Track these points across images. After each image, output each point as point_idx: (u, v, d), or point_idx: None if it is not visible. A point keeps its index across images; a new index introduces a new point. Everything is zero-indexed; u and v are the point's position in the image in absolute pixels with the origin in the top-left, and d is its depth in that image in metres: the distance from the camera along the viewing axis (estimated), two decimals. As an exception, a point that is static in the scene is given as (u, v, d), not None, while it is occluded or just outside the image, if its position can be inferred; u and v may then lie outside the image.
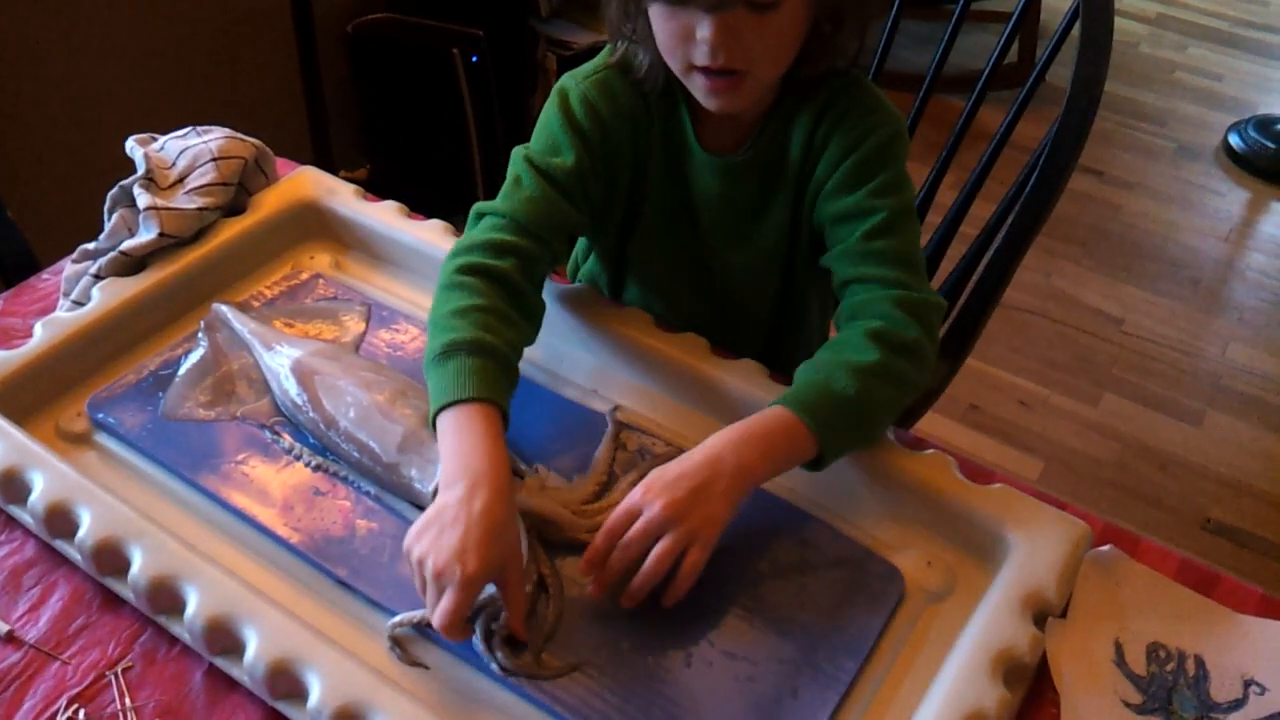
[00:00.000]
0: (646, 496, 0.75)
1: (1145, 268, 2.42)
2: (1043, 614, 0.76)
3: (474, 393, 0.78)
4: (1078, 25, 1.14)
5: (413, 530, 0.74)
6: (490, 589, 0.74)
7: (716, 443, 0.78)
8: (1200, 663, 0.76)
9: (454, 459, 0.76)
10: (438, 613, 0.71)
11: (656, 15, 0.85)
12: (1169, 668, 0.76)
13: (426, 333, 0.85)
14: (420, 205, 1.11)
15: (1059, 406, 2.07)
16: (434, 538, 0.72)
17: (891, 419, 0.86)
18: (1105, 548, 0.82)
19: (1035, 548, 0.79)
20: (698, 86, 0.88)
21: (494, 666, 0.73)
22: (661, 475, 0.76)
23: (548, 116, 0.95)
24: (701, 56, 0.83)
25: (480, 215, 0.91)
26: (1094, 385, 2.12)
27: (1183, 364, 2.18)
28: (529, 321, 0.88)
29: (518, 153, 0.94)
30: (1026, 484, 0.85)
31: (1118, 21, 1.15)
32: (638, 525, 0.74)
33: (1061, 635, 0.76)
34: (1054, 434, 2.02)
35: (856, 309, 0.88)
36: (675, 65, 0.87)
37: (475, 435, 0.76)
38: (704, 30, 0.82)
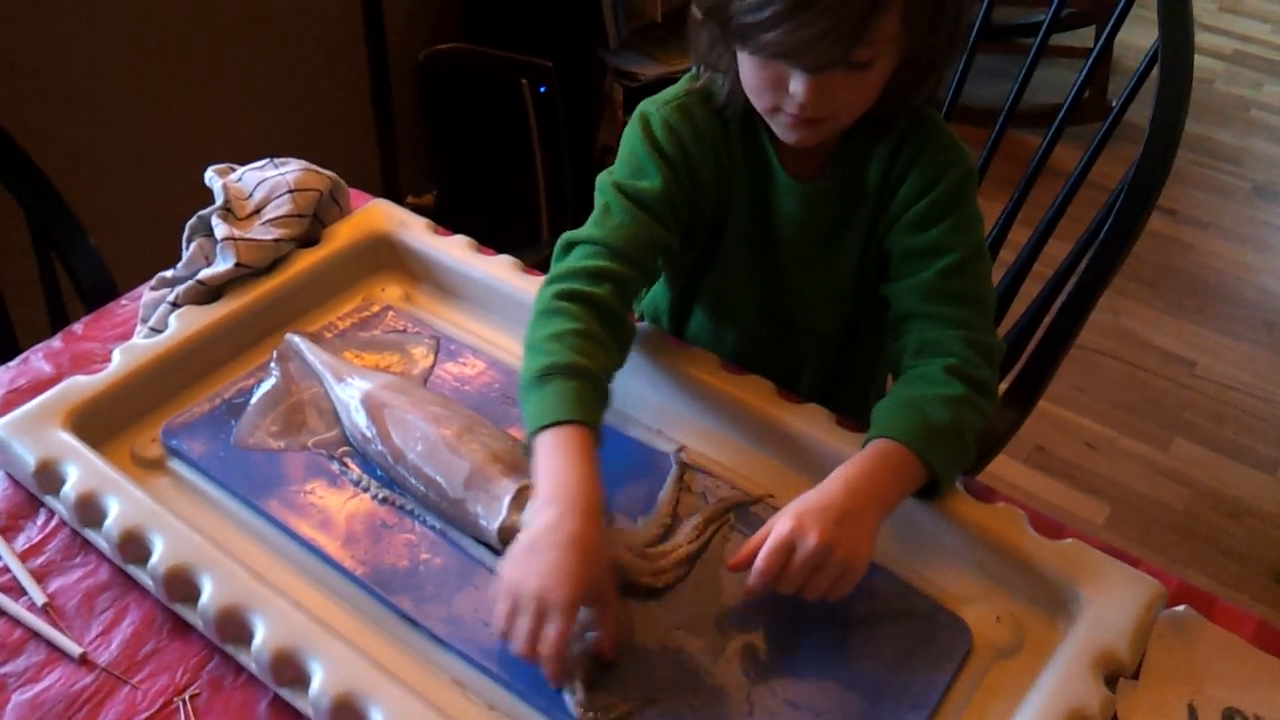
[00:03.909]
0: (799, 527, 0.76)
1: (1218, 310, 2.37)
2: (1114, 674, 0.75)
3: (571, 415, 0.80)
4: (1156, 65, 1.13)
5: (510, 557, 0.75)
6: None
7: (846, 474, 0.80)
8: (1279, 731, 0.74)
9: (549, 481, 0.77)
10: (545, 640, 0.72)
11: (747, 60, 0.86)
12: (1246, 735, 0.74)
13: (523, 356, 0.86)
14: (486, 232, 1.12)
15: (1127, 450, 2.03)
16: (530, 563, 0.73)
17: (976, 448, 0.87)
18: (1180, 608, 0.80)
19: (1108, 606, 0.77)
20: (779, 123, 0.89)
21: (571, 702, 0.73)
22: (805, 505, 0.77)
23: (631, 142, 0.96)
24: (791, 106, 0.85)
25: (570, 244, 0.92)
26: (1164, 429, 2.08)
27: (1257, 410, 2.13)
28: (621, 347, 0.89)
29: (604, 179, 0.95)
30: (1097, 538, 0.84)
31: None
32: (799, 561, 0.75)
33: (1133, 697, 0.75)
34: (1122, 478, 1.98)
35: (927, 345, 0.90)
36: (760, 104, 0.88)
37: (570, 457, 0.78)
38: (798, 85, 0.83)
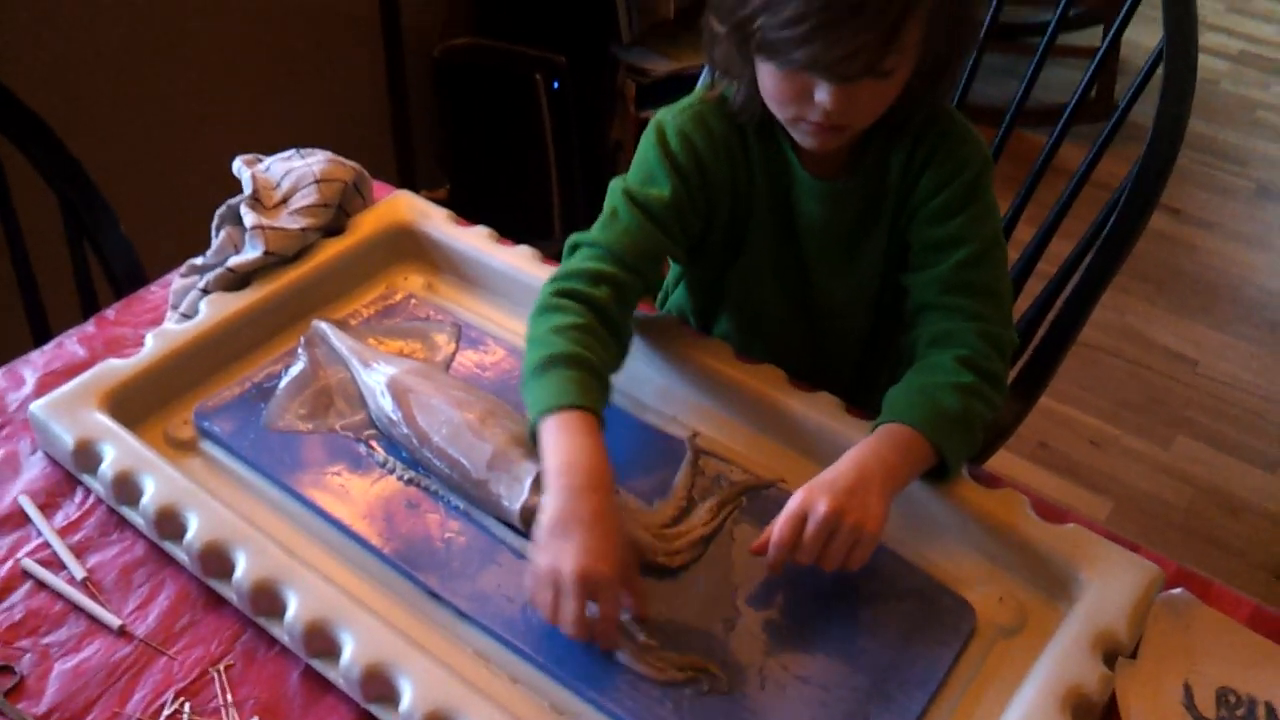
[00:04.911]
0: (810, 498, 0.79)
1: (1222, 309, 2.39)
2: (1113, 653, 0.77)
3: (574, 400, 0.83)
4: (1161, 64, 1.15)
5: (536, 546, 0.77)
6: None
7: (855, 454, 0.83)
8: (1271, 710, 0.77)
9: (557, 460, 0.80)
10: (602, 618, 0.76)
11: (769, 71, 0.88)
12: (1239, 713, 0.77)
13: (525, 350, 0.89)
14: (498, 226, 1.14)
15: (1130, 447, 2.06)
16: (559, 544, 0.76)
17: (983, 437, 0.90)
18: (1176, 590, 0.83)
19: (1107, 588, 0.80)
20: (800, 131, 0.91)
21: (625, 654, 0.78)
22: (815, 482, 0.81)
23: (644, 150, 0.98)
24: (816, 115, 0.87)
25: (575, 246, 0.95)
26: (1166, 427, 2.10)
27: (1259, 409, 2.15)
28: (619, 348, 0.92)
29: (615, 185, 0.97)
30: (1098, 524, 0.87)
31: (1199, 58, 1.15)
32: (812, 528, 0.79)
33: (1131, 675, 0.77)
34: (1124, 475, 2.00)
35: (941, 336, 0.92)
36: (782, 115, 0.90)
37: (578, 437, 0.81)
38: (823, 94, 0.85)
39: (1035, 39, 2.88)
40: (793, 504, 0.80)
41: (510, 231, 1.14)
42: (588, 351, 0.86)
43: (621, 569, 0.77)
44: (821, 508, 0.78)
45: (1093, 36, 2.82)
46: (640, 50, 2.33)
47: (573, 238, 0.96)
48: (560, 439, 0.81)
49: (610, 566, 0.76)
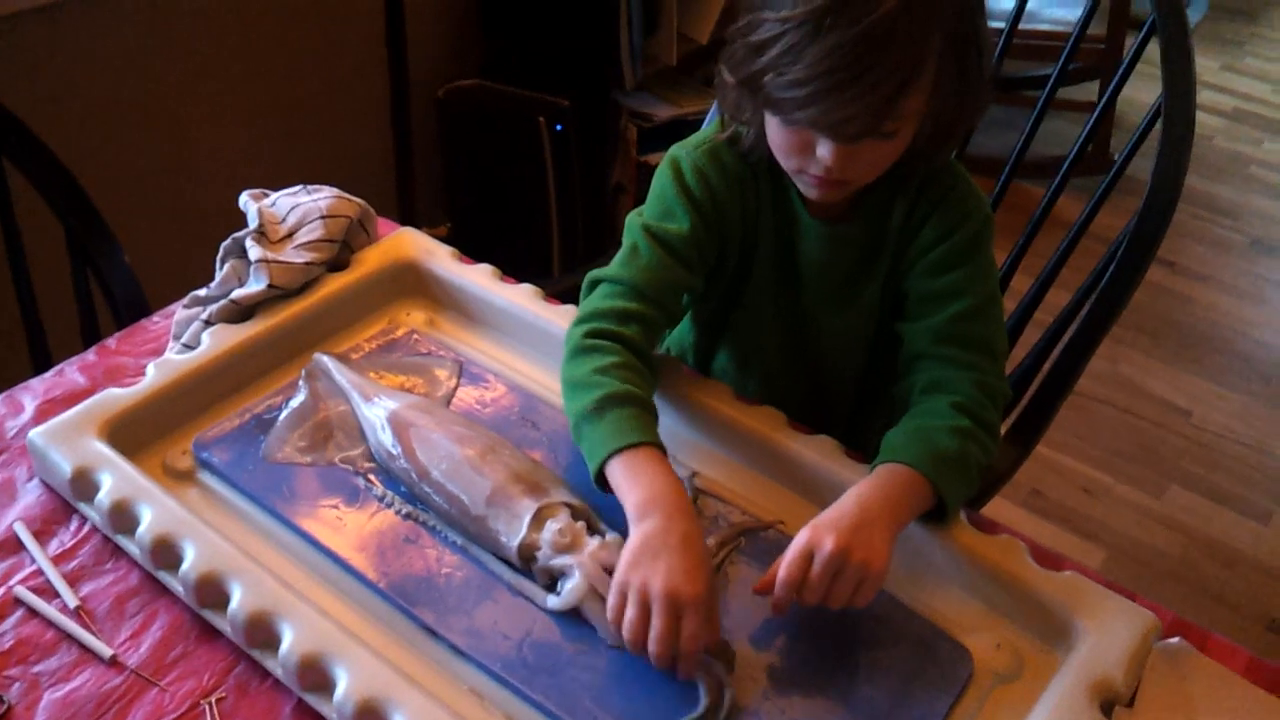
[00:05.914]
0: (816, 536, 0.79)
1: (1215, 361, 2.41)
2: (1110, 702, 0.77)
3: (641, 437, 0.84)
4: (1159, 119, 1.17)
5: (624, 564, 0.78)
6: None
7: (857, 492, 0.83)
8: (1268, 762, 0.77)
9: (641, 493, 0.81)
10: (687, 636, 0.75)
11: (774, 124, 0.90)
12: (1236, 765, 0.76)
13: (564, 394, 0.90)
14: (497, 265, 1.15)
15: (1123, 496, 2.06)
16: (650, 563, 0.77)
17: (979, 482, 0.91)
18: (1174, 640, 0.83)
19: (1104, 635, 0.80)
20: (803, 182, 0.93)
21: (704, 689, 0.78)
22: (819, 520, 0.81)
23: (661, 184, 1.00)
24: (817, 169, 0.89)
25: (596, 282, 0.96)
26: (1160, 477, 2.11)
27: (1252, 460, 2.16)
28: (654, 382, 0.94)
29: (633, 220, 0.98)
30: (1095, 572, 0.87)
31: (1194, 114, 1.17)
32: (818, 567, 0.79)
33: (1128, 725, 0.77)
34: (1117, 524, 2.01)
35: (936, 384, 0.93)
36: (785, 165, 0.92)
37: (654, 472, 0.82)
38: (825, 150, 0.87)
39: (1034, 92, 2.92)
40: (798, 542, 0.80)
41: (509, 271, 1.15)
42: (636, 389, 0.88)
43: (710, 593, 0.77)
44: (828, 546, 0.78)
45: (1086, 90, 2.85)
46: (643, 95, 2.36)
47: (592, 274, 0.97)
48: (639, 474, 0.82)
49: (703, 586, 0.76)
